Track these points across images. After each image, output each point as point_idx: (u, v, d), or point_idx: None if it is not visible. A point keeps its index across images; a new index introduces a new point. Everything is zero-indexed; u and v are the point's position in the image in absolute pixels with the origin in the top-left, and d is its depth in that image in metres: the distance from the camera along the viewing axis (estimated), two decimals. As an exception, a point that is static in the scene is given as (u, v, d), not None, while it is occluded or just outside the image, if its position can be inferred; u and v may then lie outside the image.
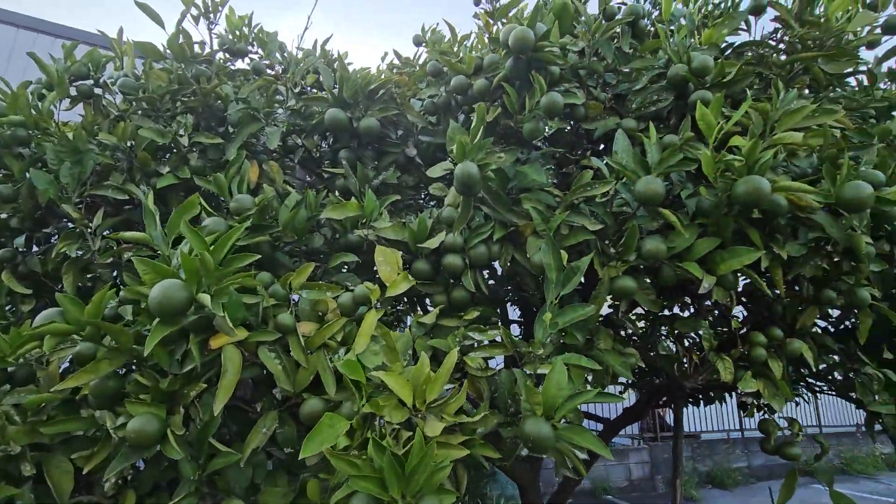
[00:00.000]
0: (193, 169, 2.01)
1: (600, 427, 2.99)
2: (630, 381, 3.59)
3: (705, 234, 1.51)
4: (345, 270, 1.80)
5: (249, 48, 2.66)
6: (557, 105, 1.56)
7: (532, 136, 1.65)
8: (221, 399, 1.11)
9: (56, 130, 1.75)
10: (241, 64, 2.72)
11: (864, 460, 9.89)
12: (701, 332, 1.75)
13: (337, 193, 1.92)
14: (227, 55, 2.65)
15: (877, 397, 1.77)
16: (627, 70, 1.94)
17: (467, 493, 6.11)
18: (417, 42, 3.10)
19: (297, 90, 2.06)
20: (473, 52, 2.02)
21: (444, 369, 1.20)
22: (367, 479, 0.98)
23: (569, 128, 2.00)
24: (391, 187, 1.94)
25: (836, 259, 1.60)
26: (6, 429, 1.25)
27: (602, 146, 2.14)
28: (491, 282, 2.08)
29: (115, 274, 1.87)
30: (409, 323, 1.95)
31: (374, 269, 1.99)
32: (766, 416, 1.93)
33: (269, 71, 2.58)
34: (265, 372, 1.35)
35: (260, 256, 1.23)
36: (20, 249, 2.05)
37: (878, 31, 1.93)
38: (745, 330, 1.80)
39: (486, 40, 1.94)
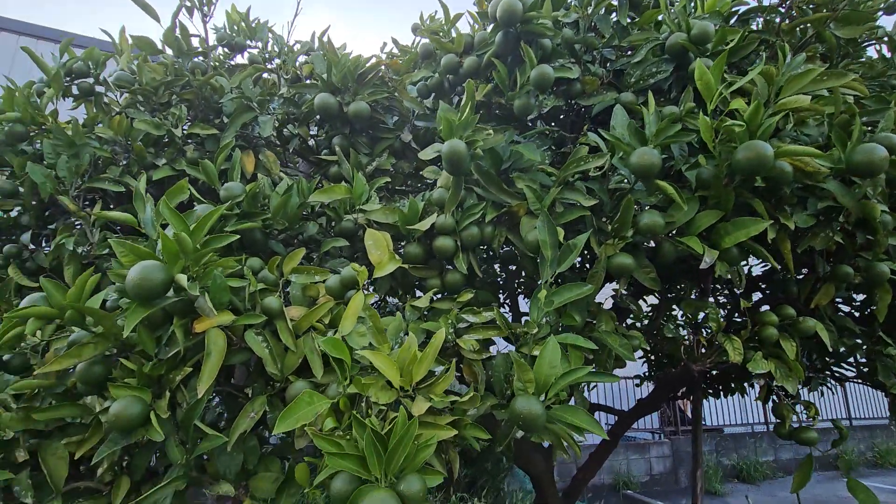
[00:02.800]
0: (190, 160, 2.02)
1: (613, 419, 2.92)
2: (645, 373, 3.51)
3: (706, 207, 1.44)
4: (338, 257, 1.77)
5: (248, 42, 2.67)
6: (548, 78, 1.51)
7: (523, 113, 1.60)
8: (205, 382, 1.10)
9: (53, 125, 1.76)
10: (240, 59, 2.73)
11: (899, 452, 9.52)
12: (707, 313, 1.68)
13: (329, 180, 1.91)
14: (227, 50, 2.66)
15: (899, 378, 1.67)
16: (626, 45, 1.87)
17: (485, 488, 6.07)
18: (415, 30, 3.07)
19: (289, 78, 2.05)
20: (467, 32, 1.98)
21: (430, 349, 1.16)
22: (347, 457, 0.95)
23: (565, 106, 1.94)
24: (386, 174, 1.91)
25: (850, 231, 1.52)
26: (0, 415, 1.27)
27: (600, 124, 2.07)
28: (484, 267, 2.03)
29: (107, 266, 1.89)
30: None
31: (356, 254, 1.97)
32: (780, 401, 1.84)
33: (268, 65, 2.58)
34: (257, 357, 1.34)
35: (238, 237, 1.21)
36: (29, 246, 2.09)
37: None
38: (756, 310, 1.72)
39: (479, 17, 1.89)
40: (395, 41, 2.78)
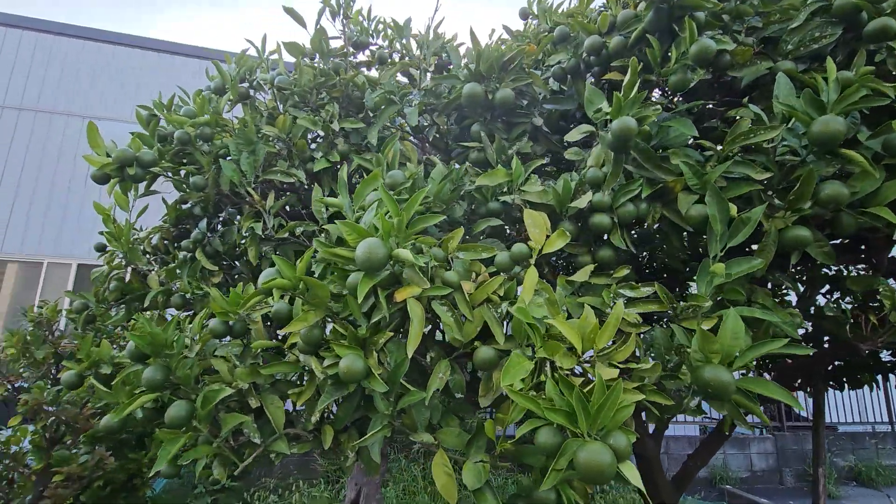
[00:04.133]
0: (341, 152, 2.23)
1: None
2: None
3: (893, 176, 1.36)
4: (487, 237, 1.89)
5: (370, 40, 2.86)
6: (710, 51, 1.50)
7: (679, 88, 1.59)
8: (412, 344, 1.26)
9: (238, 127, 2.04)
10: (361, 57, 2.93)
11: None
12: (880, 289, 1.59)
13: (472, 165, 2.02)
14: (352, 48, 2.87)
15: None
16: (776, 11, 1.78)
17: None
18: (524, 15, 3.09)
19: (431, 70, 2.19)
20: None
21: (613, 318, 1.24)
22: (557, 412, 1.06)
23: (712, 79, 1.90)
24: (528, 157, 1.99)
25: None
26: (234, 370, 1.53)
27: (745, 96, 2.00)
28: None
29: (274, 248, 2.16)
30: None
31: (507, 234, 2.08)
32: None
33: (392, 57, 2.75)
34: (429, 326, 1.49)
35: (445, 217, 1.35)
36: (207, 233, 2.44)
37: None
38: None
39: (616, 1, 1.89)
40: (506, 28, 2.84)
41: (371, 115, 2.36)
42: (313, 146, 2.36)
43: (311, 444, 1.60)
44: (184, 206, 2.75)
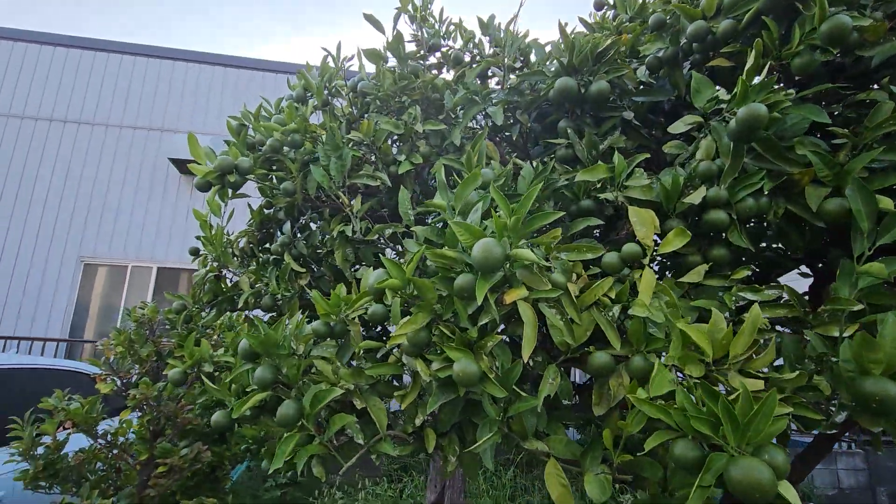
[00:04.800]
0: (423, 154, 2.23)
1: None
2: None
3: None
4: (582, 237, 1.82)
5: (441, 41, 2.85)
6: (845, 28, 1.35)
7: (803, 71, 1.46)
8: (528, 348, 1.22)
9: (328, 133, 2.08)
10: (432, 59, 2.93)
11: None
12: None
13: (560, 163, 1.95)
14: (424, 52, 2.88)
15: None
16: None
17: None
18: (599, 6, 2.98)
19: (517, 67, 2.14)
20: None
21: (750, 323, 1.14)
22: (701, 422, 0.98)
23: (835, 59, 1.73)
24: (620, 152, 1.90)
25: None
26: (338, 371, 1.55)
27: (869, 77, 1.80)
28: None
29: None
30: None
31: (596, 233, 1.99)
32: None
33: (465, 58, 2.73)
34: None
35: (564, 213, 1.30)
36: (294, 236, 2.52)
37: None
38: None
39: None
40: (582, 20, 2.74)
41: (451, 116, 2.35)
42: (394, 149, 2.38)
43: (411, 446, 1.60)
44: (266, 211, 2.86)
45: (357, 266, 2.40)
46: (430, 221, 1.95)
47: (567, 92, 1.78)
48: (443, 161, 1.91)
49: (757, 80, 1.37)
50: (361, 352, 1.59)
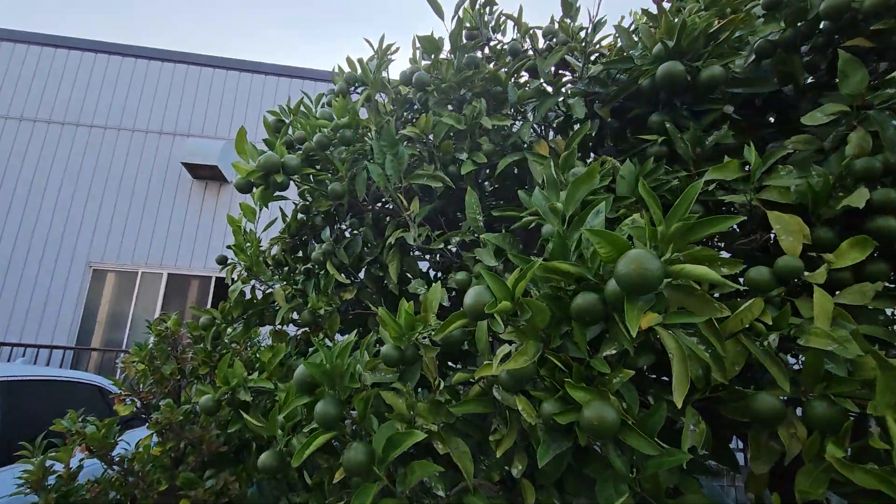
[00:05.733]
0: (486, 152, 1.98)
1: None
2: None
3: None
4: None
5: (491, 34, 2.62)
6: None
7: None
8: (680, 392, 0.95)
9: (385, 128, 1.84)
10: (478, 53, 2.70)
11: None
12: None
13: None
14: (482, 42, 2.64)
15: None
16: None
17: None
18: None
19: (594, 57, 1.90)
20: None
21: None
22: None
23: None
24: (723, 150, 1.64)
25: None
26: (415, 406, 1.29)
27: None
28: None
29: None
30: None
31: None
32: None
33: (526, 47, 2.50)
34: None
35: (743, 218, 1.04)
36: (338, 245, 2.27)
37: None
38: None
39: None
40: (646, 11, 2.50)
41: (517, 110, 2.11)
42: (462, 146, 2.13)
43: (501, 499, 1.32)
44: (300, 216, 2.62)
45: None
46: (507, 228, 1.70)
47: (674, 78, 1.53)
48: (526, 155, 1.66)
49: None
50: (442, 385, 1.33)
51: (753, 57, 1.71)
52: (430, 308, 1.47)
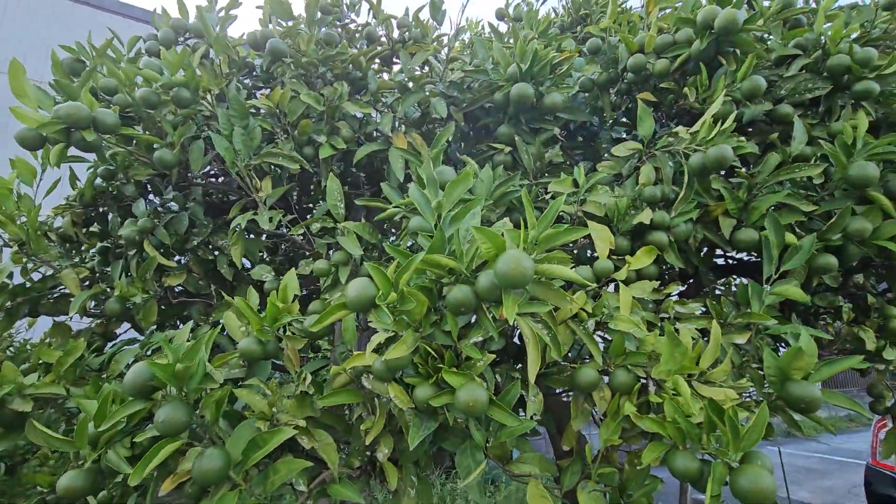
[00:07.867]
0: (345, 138, 1.94)
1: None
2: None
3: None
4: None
5: (346, 11, 2.55)
6: (760, 88, 1.64)
7: (722, 116, 1.71)
8: (534, 369, 1.13)
9: (232, 94, 1.63)
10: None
11: None
12: (842, 306, 1.92)
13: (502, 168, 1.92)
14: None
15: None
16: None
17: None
18: (500, 15, 3.07)
19: (458, 63, 2.02)
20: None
21: (714, 338, 1.27)
22: (694, 431, 1.04)
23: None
24: (554, 166, 1.96)
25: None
26: (279, 402, 1.22)
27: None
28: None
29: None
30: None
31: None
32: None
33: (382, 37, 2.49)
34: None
35: (587, 231, 1.23)
36: (155, 220, 1.92)
37: None
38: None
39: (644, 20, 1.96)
40: (493, 28, 2.78)
41: (372, 99, 2.10)
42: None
43: (359, 482, 1.36)
44: (99, 183, 2.14)
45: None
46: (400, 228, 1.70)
47: (524, 98, 1.75)
48: (369, 148, 1.68)
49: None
50: (308, 378, 1.28)
51: (577, 89, 2.07)
52: (289, 297, 1.40)
